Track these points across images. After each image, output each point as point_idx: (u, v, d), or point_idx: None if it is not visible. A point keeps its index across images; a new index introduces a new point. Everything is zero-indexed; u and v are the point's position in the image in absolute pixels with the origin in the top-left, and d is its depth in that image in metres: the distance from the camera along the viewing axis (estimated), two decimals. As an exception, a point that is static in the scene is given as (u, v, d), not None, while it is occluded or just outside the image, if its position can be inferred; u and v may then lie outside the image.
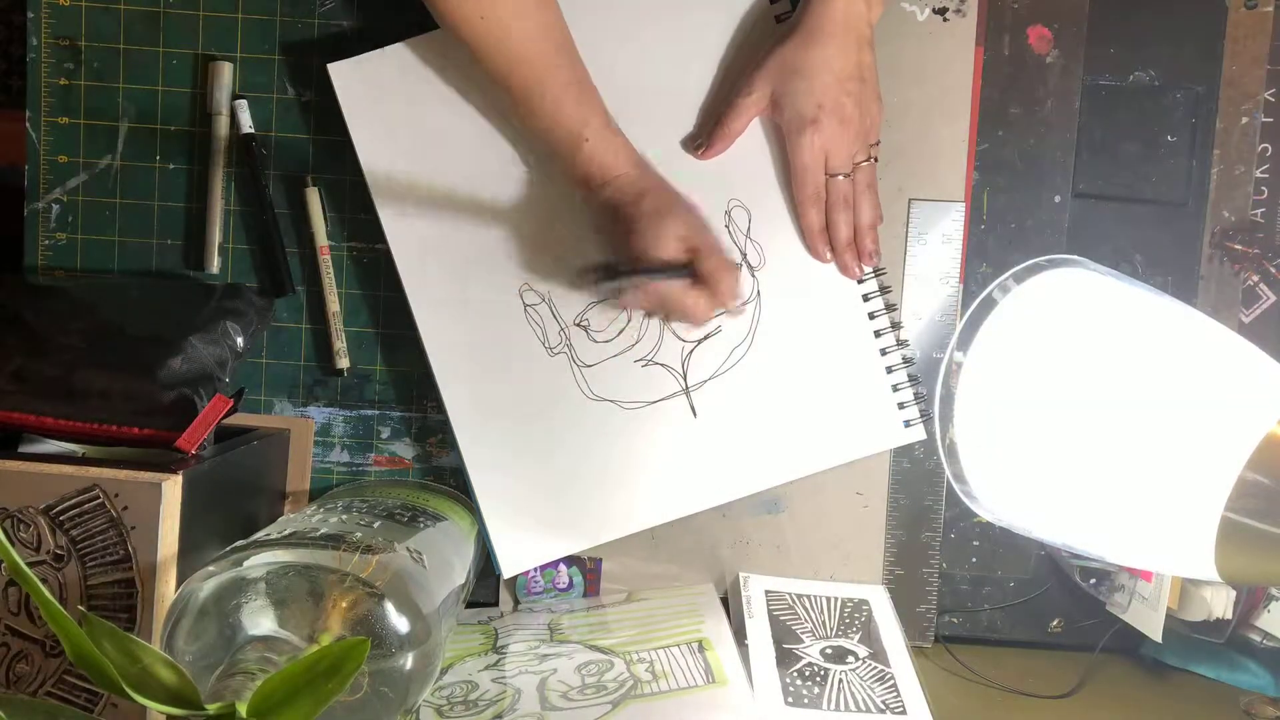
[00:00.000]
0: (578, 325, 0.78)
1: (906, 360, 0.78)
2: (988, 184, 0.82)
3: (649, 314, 0.76)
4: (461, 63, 0.75)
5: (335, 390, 0.81)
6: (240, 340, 0.74)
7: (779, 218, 0.77)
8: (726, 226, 0.77)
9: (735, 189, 0.77)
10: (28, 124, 0.78)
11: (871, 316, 0.78)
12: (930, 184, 0.80)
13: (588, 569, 0.83)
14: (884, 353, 0.78)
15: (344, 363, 0.80)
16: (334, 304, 0.80)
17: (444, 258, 0.77)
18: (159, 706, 0.47)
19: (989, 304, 0.78)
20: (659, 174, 0.73)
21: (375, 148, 0.77)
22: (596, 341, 0.78)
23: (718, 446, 0.78)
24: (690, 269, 0.68)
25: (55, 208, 0.79)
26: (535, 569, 0.82)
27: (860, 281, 0.78)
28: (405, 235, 0.77)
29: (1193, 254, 0.83)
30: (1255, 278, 0.82)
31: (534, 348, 0.78)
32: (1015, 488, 0.74)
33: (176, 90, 0.79)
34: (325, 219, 0.79)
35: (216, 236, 0.79)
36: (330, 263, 0.79)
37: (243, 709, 0.47)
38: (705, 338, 0.78)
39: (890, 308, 0.78)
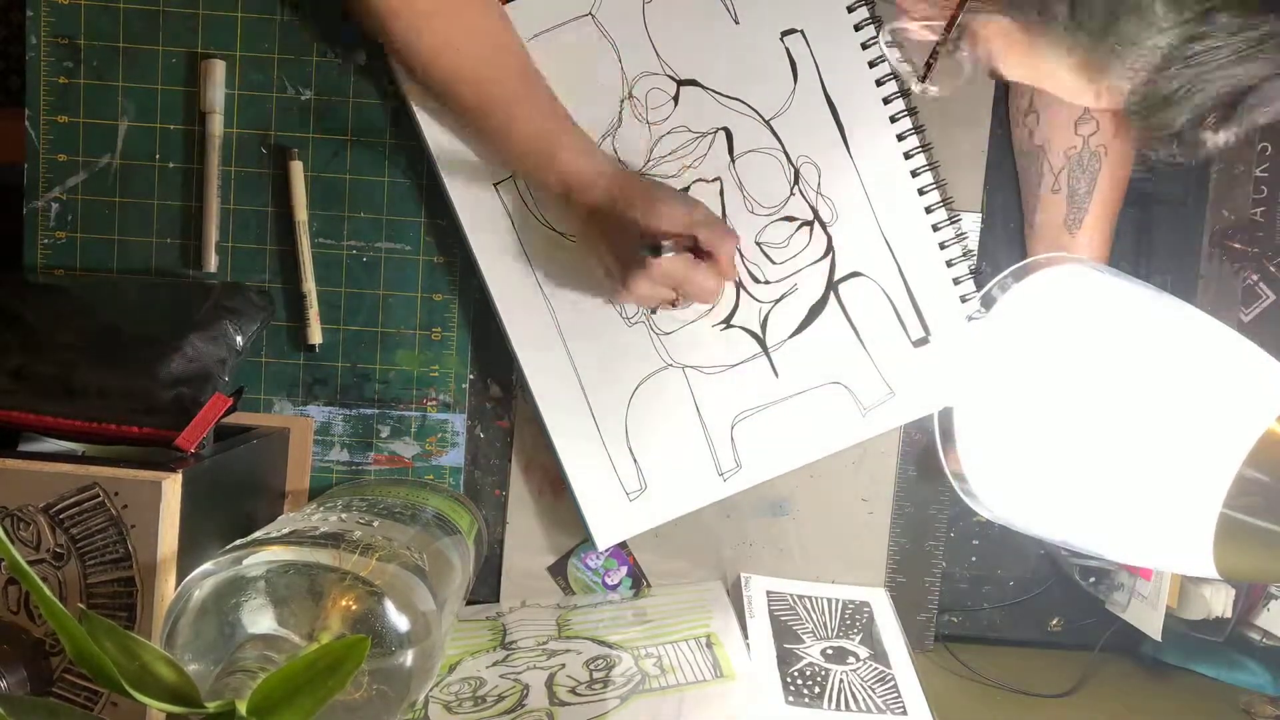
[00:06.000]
0: None
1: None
2: (988, 183, 0.82)
3: (657, 309, 0.77)
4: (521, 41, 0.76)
5: (335, 389, 0.81)
6: (239, 339, 0.74)
7: (848, 172, 0.78)
8: (797, 184, 0.78)
9: (803, 145, 0.77)
10: (27, 123, 0.78)
11: (949, 264, 0.78)
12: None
13: (643, 584, 0.84)
14: (964, 300, 0.78)
15: (316, 338, 0.80)
16: (308, 279, 0.79)
17: (516, 234, 0.77)
18: (159, 704, 0.47)
19: (988, 301, 0.78)
20: (633, 171, 0.74)
21: (441, 128, 0.77)
22: (673, 308, 0.78)
23: (802, 405, 0.79)
24: (694, 241, 0.70)
25: (55, 206, 0.79)
26: (600, 552, 0.83)
27: (936, 229, 0.78)
28: (475, 211, 0.77)
29: (1192, 253, 0.83)
30: (1255, 276, 0.82)
31: (612, 319, 0.78)
32: (1014, 485, 0.74)
33: (175, 89, 0.79)
34: (307, 193, 0.79)
35: (214, 235, 0.79)
36: (308, 239, 0.79)
37: (242, 707, 0.47)
38: (782, 297, 0.78)
39: (967, 253, 0.79)
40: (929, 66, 0.61)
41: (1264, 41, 0.47)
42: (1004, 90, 0.81)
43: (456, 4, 0.71)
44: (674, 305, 0.75)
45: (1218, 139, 0.52)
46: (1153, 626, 0.76)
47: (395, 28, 0.71)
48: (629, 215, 0.70)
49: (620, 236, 0.71)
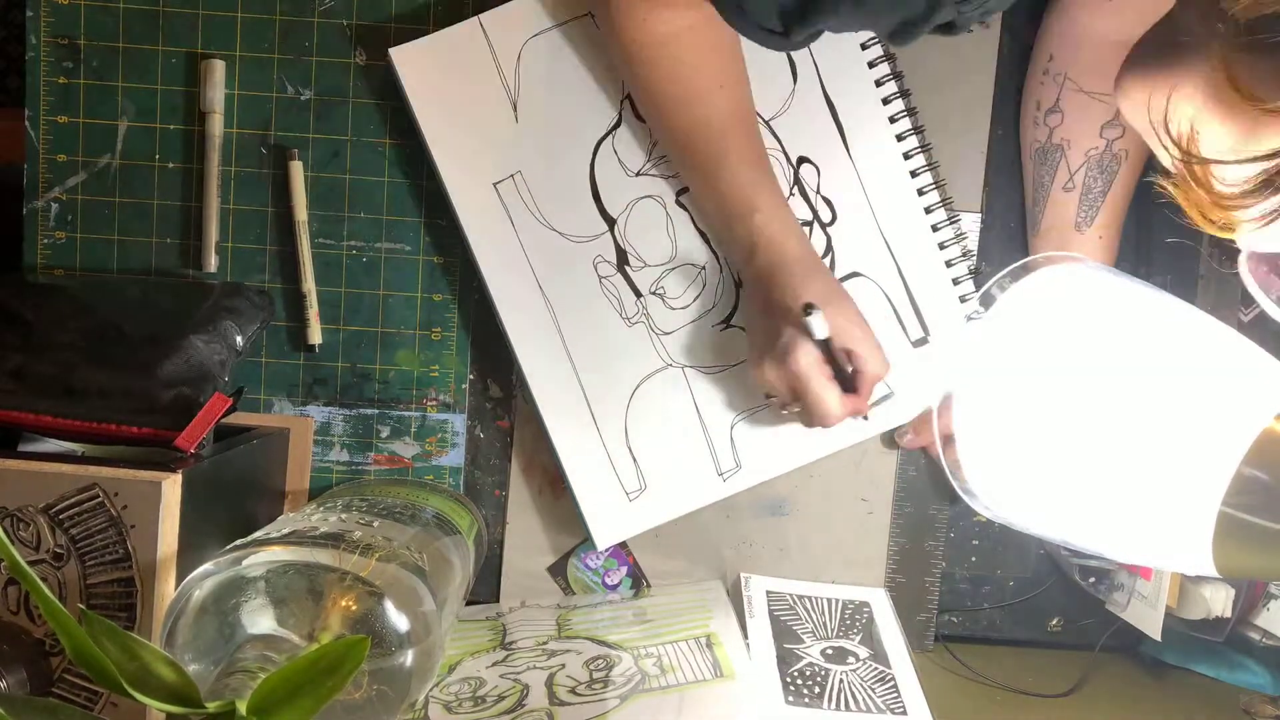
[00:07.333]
0: (654, 294, 0.78)
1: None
2: (988, 183, 0.82)
3: (770, 396, 0.74)
4: (520, 40, 0.76)
5: (335, 389, 0.81)
6: (239, 339, 0.74)
7: (848, 173, 0.78)
8: (796, 183, 0.78)
9: (802, 146, 0.78)
10: (27, 123, 0.78)
11: (949, 265, 0.79)
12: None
13: (643, 584, 0.84)
14: (963, 300, 0.79)
15: (316, 339, 0.80)
16: (308, 279, 0.79)
17: (516, 234, 0.77)
18: (159, 705, 0.47)
19: (987, 300, 0.78)
20: (824, 263, 0.73)
21: (441, 128, 0.77)
22: (673, 309, 0.78)
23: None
24: (849, 367, 0.69)
25: (54, 207, 0.79)
26: (600, 552, 0.83)
27: (935, 229, 0.78)
28: (475, 211, 0.77)
29: (1192, 253, 0.83)
30: (1254, 276, 0.82)
31: (612, 319, 0.78)
32: (1013, 484, 0.74)
33: (175, 89, 0.79)
34: (307, 193, 0.79)
35: (214, 235, 0.79)
36: (308, 240, 0.79)
37: (243, 707, 0.47)
38: None
39: (967, 254, 0.79)
40: None
41: None
42: (1013, 91, 0.81)
43: (692, 33, 0.68)
44: (783, 408, 0.73)
45: None
46: (1153, 626, 0.76)
47: (626, 39, 0.69)
48: (795, 295, 0.67)
49: (774, 312, 0.69)
